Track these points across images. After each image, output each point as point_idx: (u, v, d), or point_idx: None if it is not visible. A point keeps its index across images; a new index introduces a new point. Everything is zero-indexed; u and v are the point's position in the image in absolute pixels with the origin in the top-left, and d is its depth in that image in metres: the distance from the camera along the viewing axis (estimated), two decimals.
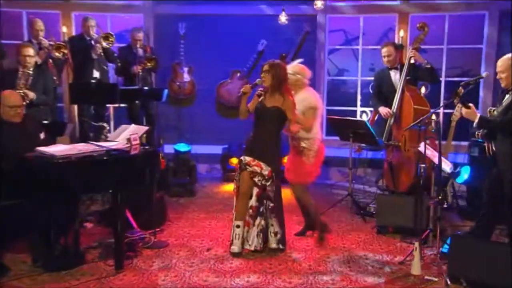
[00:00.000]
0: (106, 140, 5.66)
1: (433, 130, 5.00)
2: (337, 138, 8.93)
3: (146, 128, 5.92)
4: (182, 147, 7.90)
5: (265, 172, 5.06)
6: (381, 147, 6.89)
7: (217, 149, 8.73)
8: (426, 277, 4.56)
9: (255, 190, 5.15)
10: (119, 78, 8.32)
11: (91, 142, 5.05)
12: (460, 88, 4.90)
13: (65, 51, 7.31)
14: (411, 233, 5.50)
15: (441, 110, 7.90)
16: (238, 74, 8.98)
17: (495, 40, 8.37)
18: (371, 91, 8.32)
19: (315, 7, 8.61)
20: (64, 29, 8.86)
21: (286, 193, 5.56)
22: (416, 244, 4.64)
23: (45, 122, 6.23)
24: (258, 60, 8.90)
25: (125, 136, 5.34)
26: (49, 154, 4.35)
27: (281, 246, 5.18)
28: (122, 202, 4.54)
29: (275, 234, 5.17)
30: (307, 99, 5.37)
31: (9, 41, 7.87)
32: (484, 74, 5.14)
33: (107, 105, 8.40)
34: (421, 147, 5.03)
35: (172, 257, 5.03)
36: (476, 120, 4.75)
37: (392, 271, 4.75)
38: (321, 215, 6.42)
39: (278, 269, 4.76)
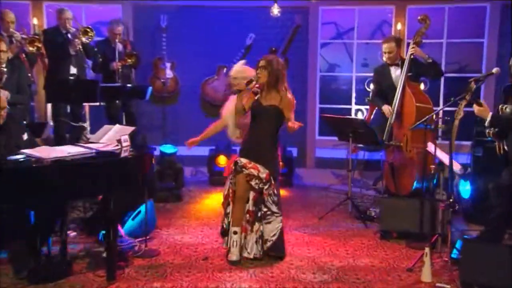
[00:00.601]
0: (88, 142, 5.66)
1: (443, 129, 5.09)
2: (330, 138, 9.14)
3: (132, 128, 5.90)
4: (168, 148, 7.92)
5: (263, 175, 5.12)
6: (381, 147, 7.01)
7: (202, 151, 8.74)
8: (437, 284, 4.66)
9: (252, 194, 5.21)
10: (96, 75, 8.31)
11: (79, 144, 5.06)
12: (472, 84, 5.00)
13: (39, 45, 7.25)
14: (416, 238, 5.62)
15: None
16: (225, 70, 9.02)
17: (497, 33, 8.55)
18: (367, 88, 8.46)
19: None
20: (35, 20, 8.83)
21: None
22: (427, 249, 4.74)
23: (24, 122, 6.21)
24: (246, 55, 8.95)
25: (109, 137, 5.37)
26: (36, 156, 4.36)
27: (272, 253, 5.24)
28: (114, 208, 4.56)
29: (265, 241, 5.22)
30: None
31: None
32: (494, 70, 5.25)
33: (83, 104, 8.36)
34: (430, 147, 5.13)
35: (166, 266, 5.06)
36: (489, 118, 4.88)
37: (401, 279, 4.84)
38: (320, 219, 6.57)
39: (281, 278, 4.82)
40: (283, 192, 5.67)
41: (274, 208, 5.20)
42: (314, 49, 9.20)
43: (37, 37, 7.37)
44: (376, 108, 8.07)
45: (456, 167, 5.18)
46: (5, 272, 4.74)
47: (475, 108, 4.96)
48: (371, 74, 8.62)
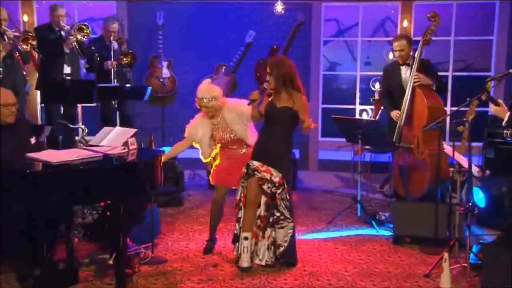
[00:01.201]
0: (87, 145, 5.70)
1: (461, 130, 5.18)
2: (333, 140, 9.26)
3: (133, 130, 5.94)
4: None
5: (276, 179, 5.20)
6: (390, 149, 7.11)
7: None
8: None
9: (263, 199, 5.29)
10: (87, 74, 8.35)
11: (85, 146, 5.11)
12: (489, 83, 5.09)
13: (34, 43, 7.26)
14: (430, 243, 5.73)
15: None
16: (224, 69, 9.08)
17: (507, 31, 8.68)
18: (372, 87, 8.53)
19: None
20: (25, 17, 8.86)
21: None
22: (446, 255, 4.83)
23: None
24: (246, 53, 9.04)
25: (110, 140, 5.42)
26: (44, 161, 4.40)
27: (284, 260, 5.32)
28: (124, 214, 4.62)
29: (277, 246, 5.30)
30: (237, 109, 5.63)
31: None
32: None
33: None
34: (448, 149, 5.22)
35: (176, 273, 5.12)
36: (506, 118, 4.96)
37: (419, 285, 4.93)
38: (329, 223, 6.65)
39: (295, 285, 4.91)
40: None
41: (286, 213, 5.27)
42: (316, 47, 9.28)
43: (31, 34, 7.37)
44: (382, 108, 8.20)
45: (474, 169, 5.27)
46: (7, 281, 4.80)
47: (492, 107, 5.05)
48: (376, 73, 8.79)
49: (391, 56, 8.76)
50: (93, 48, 7.90)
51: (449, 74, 9.03)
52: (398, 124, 6.56)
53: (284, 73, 5.22)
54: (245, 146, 5.67)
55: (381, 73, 8.50)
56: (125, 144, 5.05)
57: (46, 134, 6.27)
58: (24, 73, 7.14)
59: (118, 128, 5.89)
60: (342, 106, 9.63)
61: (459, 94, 8.97)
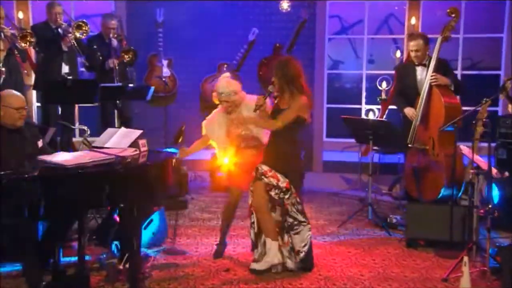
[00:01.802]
0: (91, 146, 5.75)
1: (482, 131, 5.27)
2: (338, 140, 9.36)
3: (139, 132, 5.97)
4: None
5: (283, 184, 5.26)
6: (401, 150, 7.21)
7: (203, 154, 8.83)
8: None
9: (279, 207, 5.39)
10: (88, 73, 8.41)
11: (94, 148, 5.16)
12: (508, 82, 5.19)
13: (32, 40, 7.28)
14: (445, 246, 5.84)
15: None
16: (226, 67, 9.14)
17: None
18: (378, 87, 8.61)
19: None
20: (20, 15, 8.88)
21: None
22: (465, 258, 4.91)
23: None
24: (249, 51, 9.12)
25: (115, 142, 5.45)
26: (57, 164, 4.45)
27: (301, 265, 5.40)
28: (138, 217, 4.69)
29: (297, 253, 5.38)
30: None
31: None
32: None
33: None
34: (466, 151, 5.32)
35: (188, 278, 5.19)
36: None
37: None
38: (339, 227, 6.74)
39: None
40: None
41: (300, 217, 5.35)
42: (321, 45, 9.37)
43: (29, 32, 7.39)
44: (390, 108, 8.30)
45: (493, 171, 5.37)
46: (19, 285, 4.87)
47: (510, 107, 5.15)
48: (383, 72, 8.89)
49: (398, 54, 8.86)
50: (95, 47, 7.92)
51: (458, 72, 9.12)
52: (413, 124, 6.63)
53: (286, 74, 5.26)
54: (258, 146, 5.70)
55: (387, 72, 8.66)
56: (136, 145, 5.10)
57: (50, 135, 6.30)
58: (25, 72, 7.14)
59: (123, 129, 5.90)
60: (348, 106, 9.72)
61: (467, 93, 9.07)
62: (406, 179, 7.03)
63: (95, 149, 5.13)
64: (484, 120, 5.21)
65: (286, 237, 5.36)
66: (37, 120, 8.96)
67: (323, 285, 5.10)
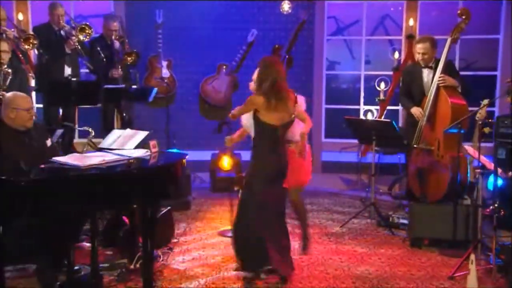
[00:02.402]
0: (97, 148, 5.81)
1: (488, 132, 5.39)
2: (337, 141, 9.45)
3: (145, 133, 6.01)
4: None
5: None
6: (403, 150, 7.33)
7: (202, 155, 8.91)
8: None
9: None
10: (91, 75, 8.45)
11: (106, 149, 5.22)
12: None
13: (35, 42, 7.32)
14: (449, 245, 5.98)
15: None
16: (225, 68, 9.23)
17: None
18: (377, 87, 8.71)
19: None
20: (20, 16, 8.93)
21: None
22: (472, 256, 5.03)
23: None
24: (248, 53, 9.20)
25: (120, 143, 5.51)
26: (72, 165, 4.51)
27: None
28: (151, 218, 4.77)
29: None
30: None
31: None
32: None
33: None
34: (472, 151, 5.43)
35: (199, 277, 5.29)
36: None
37: (445, 287, 5.15)
38: (342, 227, 6.84)
39: (321, 287, 5.10)
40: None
41: None
42: (320, 46, 9.47)
43: (32, 34, 7.44)
44: (386, 109, 8.42)
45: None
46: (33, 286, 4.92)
47: None
48: (381, 73, 9.01)
49: (396, 55, 8.98)
50: (98, 48, 7.96)
51: None
52: (419, 124, 6.73)
53: (260, 75, 5.25)
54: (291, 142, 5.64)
55: (384, 72, 8.77)
56: (148, 147, 5.17)
57: (57, 136, 6.36)
58: (30, 74, 7.17)
59: (128, 131, 5.95)
60: (346, 107, 9.83)
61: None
62: (409, 179, 7.11)
63: (108, 150, 5.19)
64: (490, 120, 5.31)
65: None
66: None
67: (332, 283, 5.20)
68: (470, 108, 6.53)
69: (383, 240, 6.48)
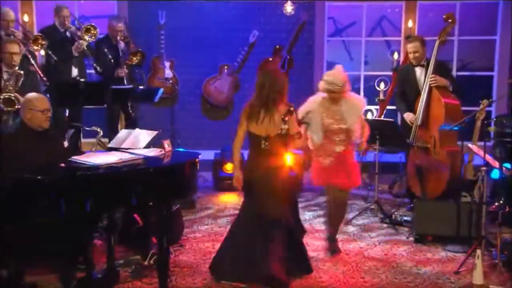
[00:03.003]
0: (107, 147, 5.91)
1: (492, 131, 5.52)
2: None
3: (155, 132, 6.08)
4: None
5: None
6: (403, 149, 7.46)
7: (204, 155, 8.96)
8: (491, 286, 5.10)
9: None
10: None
11: (122, 149, 5.31)
12: None
13: (44, 43, 7.37)
14: (453, 241, 6.13)
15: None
16: (227, 69, 9.33)
17: (510, 30, 9.07)
18: (377, 88, 8.83)
19: None
20: (25, 17, 8.99)
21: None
22: (478, 252, 5.16)
23: None
24: (249, 53, 9.32)
25: (130, 143, 5.60)
26: (89, 164, 4.60)
27: None
28: (167, 216, 4.88)
29: None
30: (355, 103, 5.88)
31: None
32: None
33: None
34: (475, 148, 5.56)
35: (212, 274, 5.38)
36: None
37: (452, 281, 5.28)
38: (346, 224, 6.96)
39: (330, 283, 5.23)
40: None
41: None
42: (320, 46, 9.59)
43: (40, 35, 7.49)
44: (386, 108, 8.55)
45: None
46: (50, 281, 5.04)
47: None
48: (380, 73, 9.12)
49: (396, 56, 9.10)
50: (105, 50, 8.03)
51: (454, 74, 9.36)
52: (414, 123, 6.93)
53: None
54: (345, 142, 5.83)
55: (383, 73, 8.90)
56: (162, 146, 5.27)
57: (69, 136, 6.44)
58: (42, 75, 7.23)
59: (137, 131, 6.03)
60: None
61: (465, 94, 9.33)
62: (409, 177, 7.25)
63: (121, 150, 5.28)
64: (493, 119, 5.44)
65: None
66: None
67: (342, 278, 5.33)
68: (467, 108, 6.71)
69: (387, 236, 6.62)
